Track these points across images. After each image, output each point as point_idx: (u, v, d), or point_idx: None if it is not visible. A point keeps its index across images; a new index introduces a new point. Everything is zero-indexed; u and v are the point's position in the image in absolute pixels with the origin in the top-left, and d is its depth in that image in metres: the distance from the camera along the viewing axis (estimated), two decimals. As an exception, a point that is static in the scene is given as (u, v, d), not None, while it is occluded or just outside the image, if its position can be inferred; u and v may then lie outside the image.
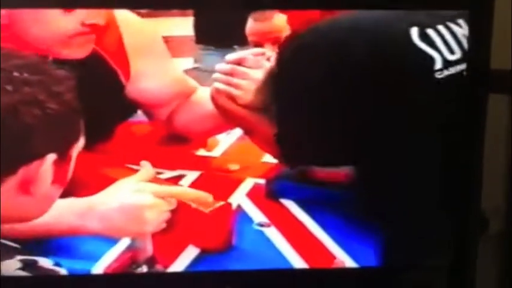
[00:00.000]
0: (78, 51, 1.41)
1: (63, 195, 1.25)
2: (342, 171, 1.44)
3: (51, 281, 1.34)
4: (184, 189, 1.45)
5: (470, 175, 1.44)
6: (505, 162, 1.69)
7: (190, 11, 1.52)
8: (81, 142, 1.21)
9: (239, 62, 1.43)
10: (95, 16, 1.39)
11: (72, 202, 1.32)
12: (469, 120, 1.41)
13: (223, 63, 1.44)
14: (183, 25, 1.51)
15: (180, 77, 1.56)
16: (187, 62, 1.59)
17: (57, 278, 1.33)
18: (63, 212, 1.30)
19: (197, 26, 1.52)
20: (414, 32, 1.29)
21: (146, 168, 1.38)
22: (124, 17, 1.47)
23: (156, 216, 1.31)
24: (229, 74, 1.43)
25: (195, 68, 1.59)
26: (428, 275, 1.47)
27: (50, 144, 1.16)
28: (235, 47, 1.50)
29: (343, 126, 1.29)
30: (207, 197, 1.36)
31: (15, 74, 1.13)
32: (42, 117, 1.12)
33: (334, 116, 1.28)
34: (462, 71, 1.32)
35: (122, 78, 1.49)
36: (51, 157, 1.16)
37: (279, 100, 1.32)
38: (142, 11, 1.47)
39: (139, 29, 1.49)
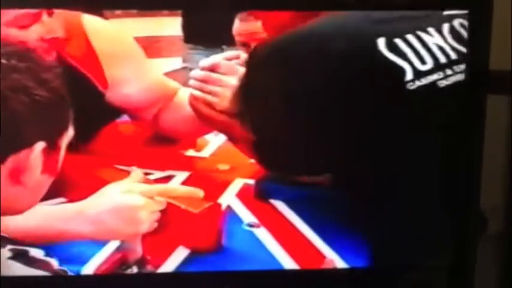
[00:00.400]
0: None
1: (53, 195, 1.26)
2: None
3: (42, 281, 1.34)
4: (174, 186, 1.44)
5: (470, 175, 1.43)
6: (504, 162, 1.67)
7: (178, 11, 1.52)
8: (70, 132, 1.21)
9: (213, 68, 1.43)
10: (54, 30, 1.39)
11: (61, 208, 1.33)
12: (468, 120, 1.40)
13: (197, 69, 1.44)
14: (171, 25, 1.51)
15: (160, 79, 1.55)
16: (176, 62, 1.59)
17: (47, 278, 1.33)
18: (53, 218, 1.30)
19: (186, 26, 1.52)
20: (381, 42, 1.29)
21: (136, 173, 1.37)
22: (92, 24, 1.46)
23: (149, 216, 1.31)
24: (204, 81, 1.42)
25: (183, 68, 1.59)
26: (428, 275, 1.46)
27: (39, 132, 1.16)
28: (224, 47, 1.50)
29: (320, 134, 1.29)
30: (197, 191, 1.35)
31: (3, 61, 1.14)
32: (31, 105, 1.13)
33: (309, 124, 1.28)
34: (435, 81, 1.31)
35: (99, 86, 1.49)
36: (40, 145, 1.16)
37: (253, 108, 1.32)
38: (108, 13, 1.47)
39: (108, 34, 1.48)
